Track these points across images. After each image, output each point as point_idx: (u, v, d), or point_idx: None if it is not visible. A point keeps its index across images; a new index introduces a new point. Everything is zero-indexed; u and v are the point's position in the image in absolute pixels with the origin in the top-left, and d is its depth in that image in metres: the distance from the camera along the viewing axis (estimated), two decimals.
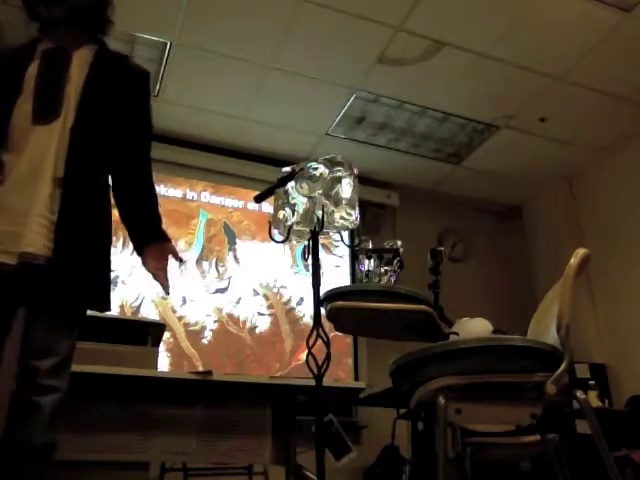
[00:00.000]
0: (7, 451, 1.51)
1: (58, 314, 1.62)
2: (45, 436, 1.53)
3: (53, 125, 1.66)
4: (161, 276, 1.83)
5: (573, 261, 1.64)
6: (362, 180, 2.44)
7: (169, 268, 1.87)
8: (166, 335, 3.98)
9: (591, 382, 4.05)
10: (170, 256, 1.86)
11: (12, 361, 1.61)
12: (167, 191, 4.69)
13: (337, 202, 2.10)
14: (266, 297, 4.76)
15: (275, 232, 2.20)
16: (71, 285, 1.62)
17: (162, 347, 3.65)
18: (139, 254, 1.84)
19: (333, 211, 2.11)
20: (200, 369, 3.99)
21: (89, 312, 1.72)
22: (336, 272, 5.04)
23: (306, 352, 1.97)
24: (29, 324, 1.60)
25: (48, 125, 1.66)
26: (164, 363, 4.16)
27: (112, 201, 1.81)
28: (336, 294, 2.08)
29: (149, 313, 4.28)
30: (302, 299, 4.82)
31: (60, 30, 1.78)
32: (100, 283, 1.71)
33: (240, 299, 4.66)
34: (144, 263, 1.83)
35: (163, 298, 4.36)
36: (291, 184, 2.13)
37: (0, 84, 1.71)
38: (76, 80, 1.72)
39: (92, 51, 1.80)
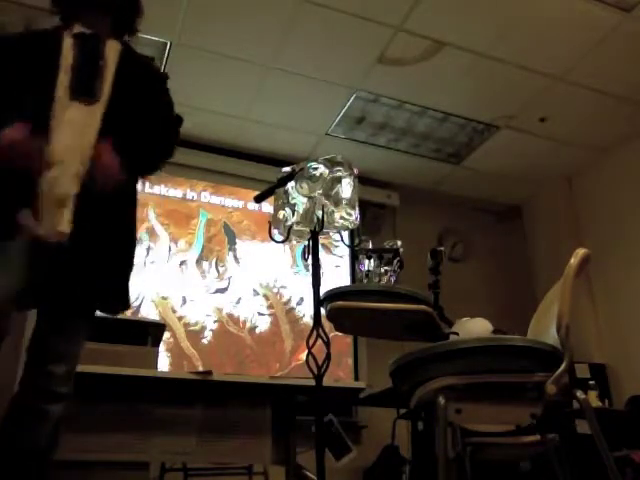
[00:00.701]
0: (10, 454, 1.50)
1: (77, 316, 1.60)
2: (49, 439, 1.53)
3: (93, 107, 1.65)
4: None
5: (573, 261, 1.64)
6: (362, 180, 2.44)
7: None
8: (166, 335, 3.98)
9: (591, 382, 4.05)
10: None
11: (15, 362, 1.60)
12: (167, 191, 4.70)
13: (337, 202, 2.10)
14: (266, 297, 4.76)
15: (275, 232, 2.20)
16: (88, 283, 1.60)
17: (162, 347, 3.65)
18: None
19: (333, 211, 2.11)
20: (200, 369, 3.99)
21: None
22: (336, 272, 5.04)
23: (306, 352, 1.97)
24: (47, 325, 1.58)
25: (86, 105, 1.65)
26: (164, 363, 4.16)
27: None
28: (336, 294, 2.08)
29: (149, 313, 4.28)
30: (302, 299, 4.82)
31: (90, 17, 1.77)
32: (121, 283, 1.70)
33: (240, 299, 4.66)
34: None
35: (163, 298, 4.37)
36: (291, 184, 2.13)
37: (33, 59, 1.69)
38: (111, 65, 1.73)
39: (120, 44, 1.81)
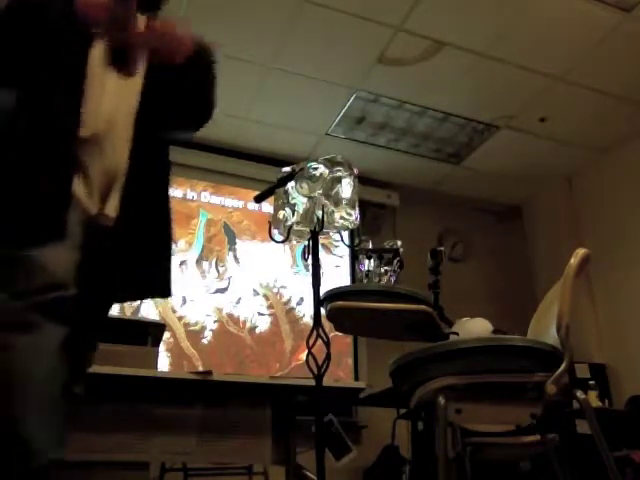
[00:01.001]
0: (13, 454, 1.48)
1: (101, 310, 1.54)
2: (55, 440, 1.52)
3: (129, 82, 1.55)
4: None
5: (573, 261, 1.64)
6: (362, 180, 2.44)
7: None
8: (166, 335, 3.98)
9: (591, 382, 4.05)
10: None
11: None
12: None
13: (337, 202, 2.10)
14: (266, 297, 4.75)
15: (275, 232, 2.20)
16: (128, 273, 1.49)
17: (162, 347, 3.65)
18: None
19: (333, 211, 2.11)
20: (200, 369, 3.99)
21: None
22: (336, 272, 5.04)
23: (306, 352, 1.97)
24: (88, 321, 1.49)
25: (123, 78, 1.54)
26: (164, 363, 4.16)
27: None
28: (336, 294, 2.08)
29: (149, 313, 4.28)
30: (302, 299, 4.82)
31: None
32: (160, 270, 1.56)
33: (240, 299, 4.66)
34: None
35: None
36: (291, 184, 2.13)
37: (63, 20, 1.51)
38: None
39: (144, 20, 1.67)
